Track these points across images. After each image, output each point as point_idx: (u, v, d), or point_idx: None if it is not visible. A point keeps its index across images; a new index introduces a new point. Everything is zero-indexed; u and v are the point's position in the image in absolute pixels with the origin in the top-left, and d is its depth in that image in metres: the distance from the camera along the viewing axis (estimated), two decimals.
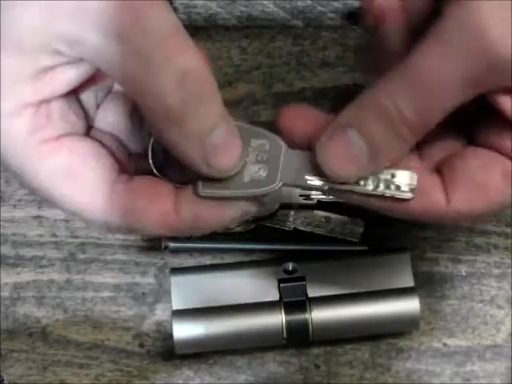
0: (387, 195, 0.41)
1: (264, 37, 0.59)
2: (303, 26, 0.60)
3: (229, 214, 0.41)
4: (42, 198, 0.43)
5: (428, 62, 0.38)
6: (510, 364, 0.52)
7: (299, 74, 0.58)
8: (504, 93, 0.39)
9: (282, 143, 0.42)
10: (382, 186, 0.41)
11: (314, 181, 0.41)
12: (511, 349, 0.53)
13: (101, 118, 0.44)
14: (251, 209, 0.41)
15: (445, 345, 0.53)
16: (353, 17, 0.45)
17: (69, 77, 0.39)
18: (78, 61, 0.38)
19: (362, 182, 0.41)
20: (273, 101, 0.58)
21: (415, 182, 0.41)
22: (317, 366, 0.53)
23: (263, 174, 0.41)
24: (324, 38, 0.59)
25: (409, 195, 0.41)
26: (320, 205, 0.55)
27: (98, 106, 0.44)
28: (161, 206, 0.40)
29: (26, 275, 0.55)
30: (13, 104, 0.38)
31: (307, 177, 0.41)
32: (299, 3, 0.60)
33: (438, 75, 0.38)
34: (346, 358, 0.53)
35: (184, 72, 0.37)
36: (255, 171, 0.41)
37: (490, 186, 0.41)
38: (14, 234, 0.55)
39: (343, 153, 0.40)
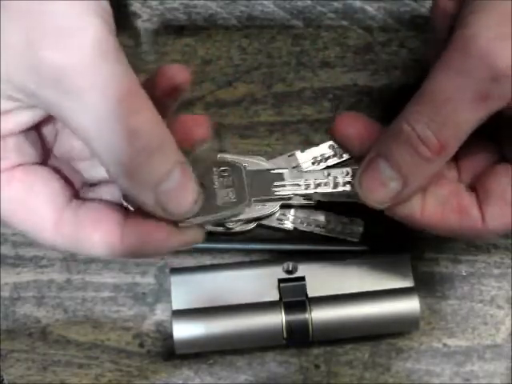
0: (339, 238, 0.52)
1: (264, 37, 0.59)
2: (303, 26, 0.60)
3: (176, 240, 0.43)
4: None
5: (438, 87, 0.41)
6: (509, 364, 0.52)
7: (299, 73, 0.58)
8: None
9: (240, 165, 0.46)
10: (336, 230, 0.53)
11: (281, 191, 0.47)
12: (511, 349, 0.53)
13: (58, 146, 0.45)
14: (200, 236, 0.44)
15: (445, 345, 0.53)
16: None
17: (23, 119, 0.41)
18: (33, 106, 0.40)
19: (320, 225, 0.53)
20: (273, 101, 0.58)
21: (362, 229, 0.53)
22: (317, 366, 0.53)
23: (232, 196, 0.45)
24: (324, 38, 0.59)
25: (356, 240, 0.53)
26: (320, 205, 0.55)
27: (56, 135, 0.45)
28: (104, 234, 0.42)
29: (25, 275, 0.55)
30: None
31: (273, 189, 0.47)
32: (299, 3, 0.60)
33: (448, 96, 0.41)
34: (345, 358, 0.53)
35: (135, 130, 0.38)
36: (225, 195, 0.45)
37: None
38: (13, 234, 0.55)
39: (376, 182, 0.43)
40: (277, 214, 0.54)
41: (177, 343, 0.50)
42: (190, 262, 0.55)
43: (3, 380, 0.52)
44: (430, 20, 0.46)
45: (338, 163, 0.51)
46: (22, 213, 0.42)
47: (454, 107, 0.41)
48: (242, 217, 0.51)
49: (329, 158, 0.50)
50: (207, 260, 0.55)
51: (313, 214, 0.55)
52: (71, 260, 0.55)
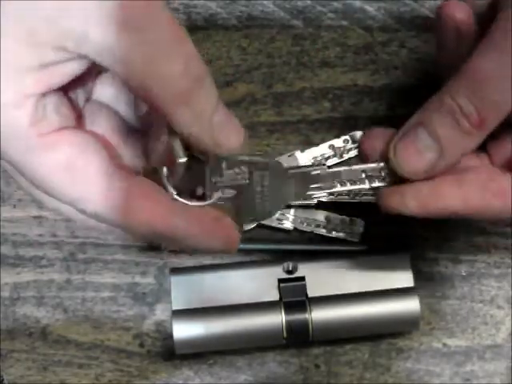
0: (339, 238, 0.53)
1: (264, 37, 0.59)
2: (303, 26, 0.60)
3: (221, 233, 0.43)
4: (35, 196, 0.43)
5: (482, 64, 0.42)
6: (509, 364, 0.52)
7: (299, 73, 0.58)
8: None
9: (278, 163, 0.46)
10: (336, 230, 0.53)
11: (318, 194, 0.47)
12: (511, 349, 0.53)
13: (87, 123, 0.44)
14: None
15: (445, 345, 0.53)
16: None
17: (67, 71, 0.39)
18: (80, 57, 0.39)
19: (320, 225, 0.53)
20: (273, 101, 0.58)
21: (362, 229, 0.53)
22: (317, 366, 0.53)
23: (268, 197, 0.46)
24: (324, 38, 0.59)
25: (356, 240, 0.53)
26: (320, 205, 0.55)
27: (87, 100, 0.44)
28: (151, 211, 0.41)
29: (26, 275, 0.55)
30: (15, 95, 0.38)
31: (310, 192, 0.47)
32: (299, 3, 0.60)
33: (490, 74, 0.42)
34: (345, 358, 0.53)
35: (189, 56, 0.39)
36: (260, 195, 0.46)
37: None
38: (14, 234, 0.55)
39: (412, 149, 0.44)
40: (277, 214, 0.54)
41: (177, 343, 0.50)
42: (190, 262, 0.55)
43: (3, 380, 0.52)
44: (438, 20, 0.47)
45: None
46: (70, 177, 0.40)
47: (495, 86, 0.42)
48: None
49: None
50: (207, 260, 0.55)
51: (313, 214, 0.55)
52: (71, 260, 0.55)
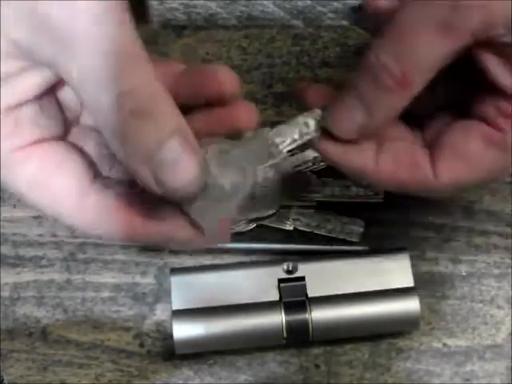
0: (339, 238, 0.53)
1: (264, 37, 0.59)
2: (303, 25, 0.60)
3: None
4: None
5: (404, 17, 0.40)
6: (509, 364, 0.52)
7: (299, 73, 0.58)
8: (489, 53, 0.41)
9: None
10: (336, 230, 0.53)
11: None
12: (511, 349, 0.53)
13: (86, 117, 0.44)
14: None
15: (445, 345, 0.53)
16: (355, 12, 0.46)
17: (35, 81, 0.39)
18: (40, 65, 0.38)
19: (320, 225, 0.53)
20: (273, 101, 0.58)
21: (362, 229, 0.53)
22: (317, 366, 0.53)
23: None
24: (324, 38, 0.59)
25: (356, 240, 0.53)
26: (320, 205, 0.55)
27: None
28: (126, 222, 0.41)
29: (26, 275, 0.55)
30: None
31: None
32: (299, 3, 0.60)
33: (412, 27, 0.40)
34: (345, 358, 0.53)
35: (128, 91, 0.36)
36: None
37: (470, 153, 0.43)
38: (14, 234, 0.55)
39: (343, 110, 0.43)
40: (276, 214, 0.54)
41: (177, 343, 0.50)
42: (190, 262, 0.55)
43: (3, 380, 0.52)
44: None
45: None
46: (43, 193, 0.40)
47: (417, 38, 0.40)
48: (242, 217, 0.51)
49: (301, 136, 0.46)
50: (207, 260, 0.55)
51: (313, 214, 0.55)
52: (71, 260, 0.55)
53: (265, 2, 0.60)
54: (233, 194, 0.41)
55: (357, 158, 0.44)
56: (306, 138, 0.44)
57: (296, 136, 0.44)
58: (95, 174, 0.42)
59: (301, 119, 0.44)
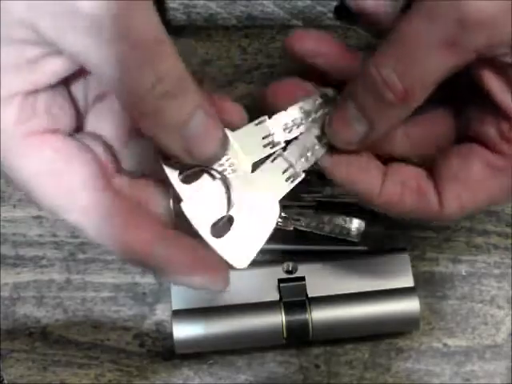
0: (339, 238, 0.52)
1: (264, 37, 0.59)
2: (303, 26, 0.60)
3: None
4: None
5: (407, 30, 0.40)
6: (509, 364, 0.52)
7: (299, 74, 0.58)
8: (490, 71, 0.41)
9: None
10: (336, 230, 0.52)
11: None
12: (511, 349, 0.53)
13: (92, 121, 0.44)
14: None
15: (445, 345, 0.53)
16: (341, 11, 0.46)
17: (55, 67, 0.39)
18: (59, 53, 0.38)
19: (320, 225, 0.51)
20: None
21: (362, 229, 0.52)
22: (317, 366, 0.53)
23: None
24: None
25: (356, 240, 0.53)
26: (320, 205, 0.55)
27: (89, 107, 0.44)
28: (136, 238, 0.41)
29: (26, 275, 0.55)
30: (1, 93, 0.38)
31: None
32: (299, 3, 0.60)
33: (415, 40, 0.40)
34: (345, 358, 0.53)
35: (161, 76, 0.38)
36: None
37: (474, 181, 0.43)
38: (14, 234, 0.55)
39: (343, 122, 0.42)
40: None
41: (177, 343, 0.50)
42: None
43: (3, 380, 0.52)
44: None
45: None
46: (51, 185, 0.40)
47: (420, 51, 0.40)
48: None
49: (301, 124, 0.46)
50: None
51: (313, 214, 0.55)
52: (71, 260, 0.55)
53: (265, 2, 0.60)
54: None
55: (362, 182, 0.44)
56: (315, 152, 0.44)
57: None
58: (107, 173, 0.42)
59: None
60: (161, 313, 0.54)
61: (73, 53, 0.38)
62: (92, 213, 0.40)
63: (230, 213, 0.42)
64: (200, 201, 0.42)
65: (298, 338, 0.51)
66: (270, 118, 0.44)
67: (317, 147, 0.44)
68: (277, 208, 0.43)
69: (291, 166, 0.44)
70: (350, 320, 0.51)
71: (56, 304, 0.54)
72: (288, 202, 0.55)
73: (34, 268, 0.55)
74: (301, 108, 0.44)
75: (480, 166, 0.43)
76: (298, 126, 0.44)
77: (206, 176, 0.42)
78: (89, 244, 0.55)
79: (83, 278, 0.55)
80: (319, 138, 0.44)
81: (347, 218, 0.54)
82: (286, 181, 0.43)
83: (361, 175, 0.44)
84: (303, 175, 0.44)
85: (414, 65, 0.40)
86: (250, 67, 0.59)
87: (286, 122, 0.44)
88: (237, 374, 0.53)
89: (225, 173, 0.42)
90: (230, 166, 0.43)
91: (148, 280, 0.54)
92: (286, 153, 0.44)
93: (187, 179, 0.42)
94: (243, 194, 0.42)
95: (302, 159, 0.44)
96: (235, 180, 0.42)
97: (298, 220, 0.55)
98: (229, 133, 0.42)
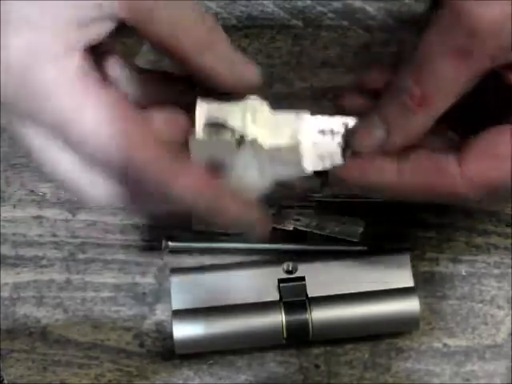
0: (339, 238, 0.53)
1: (264, 37, 0.59)
2: (303, 26, 0.60)
3: None
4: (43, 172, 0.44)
5: (424, 43, 0.43)
6: (509, 364, 0.52)
7: (299, 74, 0.58)
8: None
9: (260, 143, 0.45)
10: (336, 230, 0.53)
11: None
12: (511, 349, 0.53)
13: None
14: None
15: (445, 345, 0.53)
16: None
17: (103, 29, 0.42)
18: (112, 16, 0.41)
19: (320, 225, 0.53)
20: (273, 101, 0.58)
21: (362, 229, 0.53)
22: (317, 366, 0.53)
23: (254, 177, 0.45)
24: (324, 38, 0.59)
25: (356, 240, 0.53)
26: (320, 205, 0.55)
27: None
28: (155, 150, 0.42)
29: (25, 275, 0.55)
30: (64, 47, 0.40)
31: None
32: (299, 3, 0.60)
33: (430, 51, 0.43)
34: (345, 358, 0.53)
35: (201, 10, 0.43)
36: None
37: (498, 152, 0.43)
38: (13, 234, 0.55)
39: (363, 128, 0.45)
40: (277, 214, 0.54)
41: (177, 343, 0.50)
42: (190, 262, 0.55)
43: (3, 380, 0.52)
44: None
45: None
46: (112, 133, 0.41)
47: (435, 62, 0.42)
48: None
49: (335, 135, 0.46)
50: (207, 260, 0.55)
51: (313, 214, 0.55)
52: (71, 260, 0.55)
53: (265, 2, 0.60)
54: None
55: (376, 176, 0.45)
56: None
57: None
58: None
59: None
60: (161, 313, 0.54)
61: (128, 10, 0.41)
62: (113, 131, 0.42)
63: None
64: None
65: (298, 337, 0.51)
66: (312, 115, 0.46)
67: (337, 156, 0.45)
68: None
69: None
70: (349, 320, 0.51)
71: (56, 304, 0.54)
72: (288, 202, 0.55)
73: (34, 268, 0.55)
74: (344, 123, 0.45)
75: (507, 139, 0.43)
76: (332, 137, 0.45)
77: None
78: (89, 244, 0.55)
79: (83, 278, 0.55)
80: (343, 152, 0.45)
81: (347, 218, 0.54)
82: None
83: (373, 171, 0.45)
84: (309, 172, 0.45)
85: (431, 74, 0.42)
86: None
87: (324, 128, 0.45)
88: (237, 374, 0.53)
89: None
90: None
91: (148, 280, 0.54)
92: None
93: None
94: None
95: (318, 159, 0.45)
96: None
97: (298, 220, 0.55)
98: (264, 109, 0.46)
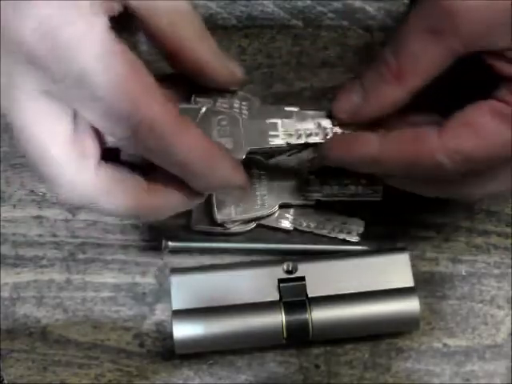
0: (339, 238, 0.54)
1: (264, 37, 0.59)
2: (303, 26, 0.60)
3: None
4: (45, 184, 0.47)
5: (405, 22, 0.45)
6: (509, 364, 0.52)
7: (299, 74, 0.58)
8: (496, 57, 0.44)
9: (238, 116, 0.48)
10: (336, 230, 0.54)
11: (276, 141, 0.48)
12: (511, 349, 0.53)
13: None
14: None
15: (445, 345, 0.53)
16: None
17: (117, 8, 0.43)
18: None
19: (320, 225, 0.54)
20: (273, 101, 0.58)
21: (362, 229, 0.54)
22: (317, 366, 0.53)
23: (230, 145, 0.47)
24: (324, 38, 0.59)
25: (355, 240, 0.54)
26: (320, 205, 0.55)
27: None
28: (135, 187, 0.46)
29: (26, 275, 0.55)
30: (90, 8, 0.41)
31: (268, 139, 0.49)
32: (299, 3, 0.60)
33: (409, 29, 0.45)
34: (345, 358, 0.53)
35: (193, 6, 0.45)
36: (223, 144, 0.47)
37: (476, 123, 0.44)
38: (13, 234, 0.55)
39: (343, 92, 0.48)
40: (276, 214, 0.54)
41: (177, 343, 0.50)
42: (190, 261, 0.55)
43: (3, 380, 0.52)
44: None
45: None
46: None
47: (411, 38, 0.45)
48: (241, 217, 0.51)
49: (310, 134, 0.49)
50: (207, 260, 0.55)
51: (313, 214, 0.55)
52: (71, 260, 0.55)
53: (265, 2, 0.60)
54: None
55: (359, 147, 0.47)
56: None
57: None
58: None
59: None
60: (161, 313, 0.54)
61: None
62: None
63: None
64: None
65: (297, 338, 0.51)
66: (303, 109, 0.50)
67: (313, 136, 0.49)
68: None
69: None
70: (349, 320, 0.51)
71: (56, 304, 0.54)
72: (288, 202, 0.55)
73: (34, 268, 0.55)
74: (317, 123, 0.49)
75: (485, 111, 0.45)
76: (307, 136, 0.49)
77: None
78: (89, 244, 0.55)
79: (83, 278, 0.54)
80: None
81: (347, 218, 0.54)
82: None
83: (356, 144, 0.47)
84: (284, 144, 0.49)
85: (407, 48, 0.45)
86: (249, 67, 0.58)
87: (299, 128, 0.49)
88: (237, 374, 0.53)
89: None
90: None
91: (148, 280, 0.54)
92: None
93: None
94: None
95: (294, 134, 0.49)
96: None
97: (298, 220, 0.55)
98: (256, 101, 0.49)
